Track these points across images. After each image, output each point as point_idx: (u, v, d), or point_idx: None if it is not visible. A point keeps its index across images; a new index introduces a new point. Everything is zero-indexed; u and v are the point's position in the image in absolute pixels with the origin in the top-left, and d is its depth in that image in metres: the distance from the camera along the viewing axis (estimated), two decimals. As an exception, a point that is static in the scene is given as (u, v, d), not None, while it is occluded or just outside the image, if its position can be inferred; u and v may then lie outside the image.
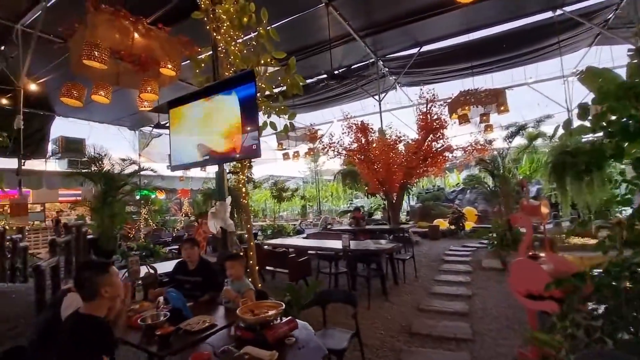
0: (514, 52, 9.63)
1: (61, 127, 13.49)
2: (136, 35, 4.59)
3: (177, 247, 8.88)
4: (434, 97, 8.97)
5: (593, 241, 6.48)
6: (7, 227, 6.63)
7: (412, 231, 8.53)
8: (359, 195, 19.14)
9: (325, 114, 15.33)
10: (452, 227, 10.31)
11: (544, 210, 3.06)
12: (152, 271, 3.39)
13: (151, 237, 11.29)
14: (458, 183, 15.53)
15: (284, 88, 4.00)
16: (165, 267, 4.64)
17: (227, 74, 4.08)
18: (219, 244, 5.66)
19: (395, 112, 14.05)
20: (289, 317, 2.18)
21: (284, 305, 2.20)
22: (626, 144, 1.89)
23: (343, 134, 9.40)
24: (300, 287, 4.19)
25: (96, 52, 4.00)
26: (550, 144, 8.65)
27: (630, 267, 1.69)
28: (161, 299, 3.07)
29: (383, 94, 11.35)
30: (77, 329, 1.80)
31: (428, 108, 8.93)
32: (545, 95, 11.99)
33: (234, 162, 4.12)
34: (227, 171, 4.30)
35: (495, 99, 8.41)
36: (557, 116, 10.44)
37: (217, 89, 3.69)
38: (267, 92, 3.97)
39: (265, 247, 6.00)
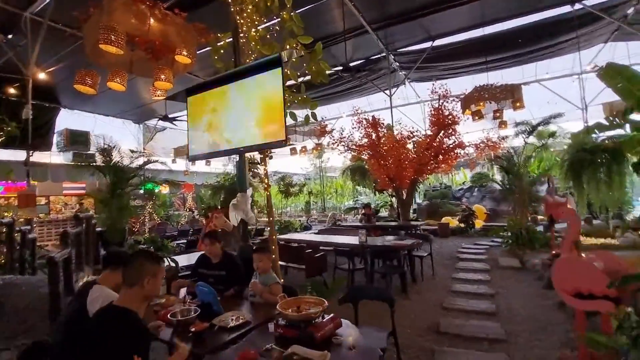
0: (530, 47, 9.45)
1: (65, 120, 13.33)
2: (152, 20, 4.44)
3: (184, 241, 8.78)
4: (447, 93, 8.81)
5: (613, 241, 6.35)
6: (14, 218, 6.49)
7: (422, 228, 8.40)
8: (363, 193, 19.03)
9: (331, 109, 15.16)
10: (462, 225, 10.18)
11: (570, 207, 2.94)
12: (173, 264, 3.27)
13: (155, 231, 11.18)
14: (465, 181, 15.39)
15: (308, 77, 3.85)
16: (181, 260, 4.53)
17: (247, 60, 3.94)
18: (230, 237, 5.54)
19: (402, 109, 13.89)
20: (331, 315, 2.05)
21: (326, 302, 2.06)
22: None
23: (353, 128, 9.25)
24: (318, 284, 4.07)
25: (113, 36, 3.84)
26: (565, 142, 8.52)
27: None
28: (183, 290, 2.95)
29: (394, 89, 11.18)
30: (112, 323, 1.68)
31: (440, 103, 8.77)
32: (556, 93, 11.83)
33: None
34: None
35: (511, 94, 8.27)
36: (567, 114, 10.30)
37: (242, 74, 3.53)
38: (290, 81, 3.82)
39: (281, 242, 5.87)
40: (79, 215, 5.44)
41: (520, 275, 5.65)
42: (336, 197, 19.59)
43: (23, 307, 4.24)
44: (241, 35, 3.79)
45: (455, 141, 8.81)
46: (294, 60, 3.56)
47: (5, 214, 7.23)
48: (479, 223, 10.37)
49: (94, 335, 1.72)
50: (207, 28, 4.76)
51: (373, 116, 9.11)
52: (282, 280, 4.08)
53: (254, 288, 2.68)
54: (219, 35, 4.28)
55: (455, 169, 13.90)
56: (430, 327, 3.67)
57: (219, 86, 3.74)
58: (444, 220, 10.79)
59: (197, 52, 4.85)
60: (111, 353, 1.59)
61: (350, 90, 12.02)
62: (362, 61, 10.14)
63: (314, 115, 4.08)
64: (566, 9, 8.15)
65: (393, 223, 8.95)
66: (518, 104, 8.32)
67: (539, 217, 9.43)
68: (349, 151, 9.37)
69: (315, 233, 7.89)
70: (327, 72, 3.82)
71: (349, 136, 9.17)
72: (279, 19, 3.83)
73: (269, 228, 3.89)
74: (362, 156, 9.64)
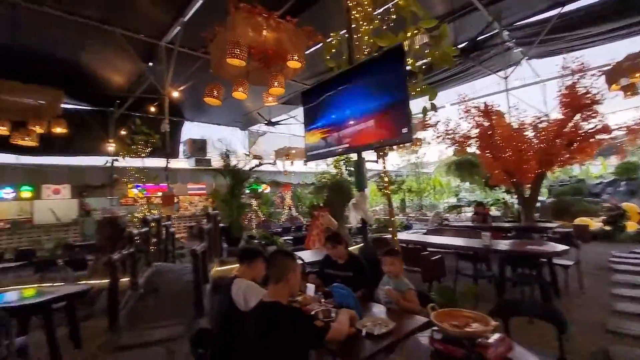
0: None
1: (189, 130, 15.57)
2: (266, 31, 4.70)
3: (289, 237, 9.27)
4: (583, 66, 7.22)
5: None
6: (160, 215, 7.80)
7: (556, 231, 7.07)
8: (465, 189, 17.33)
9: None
10: (607, 227, 8.28)
11: None
12: (300, 261, 3.36)
13: (262, 227, 12.14)
14: (603, 173, 12.59)
15: (427, 63, 3.51)
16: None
17: (360, 57, 3.81)
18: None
19: (516, 92, 12.05)
20: (499, 334, 1.73)
21: (492, 320, 1.76)
22: None
23: (460, 119, 8.36)
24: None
25: (237, 50, 4.18)
26: None
27: None
28: (310, 287, 2.93)
29: (510, 69, 9.74)
30: (274, 317, 1.75)
31: (574, 80, 7.24)
32: None
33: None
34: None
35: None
36: None
37: (360, 69, 3.41)
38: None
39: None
40: (209, 213, 6.16)
41: None
42: (434, 194, 18.31)
43: (174, 293, 4.98)
44: (354, 28, 3.68)
45: (596, 125, 7.17)
46: (417, 47, 3.27)
47: (153, 211, 8.74)
48: (631, 226, 8.29)
49: (257, 330, 1.80)
50: (314, 30, 4.83)
51: (485, 103, 8.08)
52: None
53: (390, 295, 2.52)
54: (331, 34, 4.26)
55: (592, 158, 11.46)
56: (596, 355, 2.96)
57: (335, 85, 3.71)
58: (578, 221, 8.96)
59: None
60: (283, 344, 1.68)
61: (456, 76, 10.90)
62: (469, 42, 9.10)
63: (433, 106, 3.73)
64: None
65: (511, 224, 7.81)
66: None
67: None
68: (456, 145, 8.51)
69: (423, 233, 7.39)
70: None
71: (455, 128, 8.33)
72: (393, 9, 3.59)
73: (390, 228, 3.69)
74: (470, 149, 8.65)
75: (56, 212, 11.31)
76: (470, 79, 11.67)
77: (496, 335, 1.71)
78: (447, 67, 3.37)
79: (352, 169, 9.62)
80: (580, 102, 7.15)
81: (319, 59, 5.20)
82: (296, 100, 11.72)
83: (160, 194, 9.46)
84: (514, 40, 9.58)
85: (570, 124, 7.31)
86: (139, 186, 9.57)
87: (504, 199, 10.95)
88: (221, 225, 7.54)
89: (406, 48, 3.27)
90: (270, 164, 9.49)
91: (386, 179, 3.50)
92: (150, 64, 9.19)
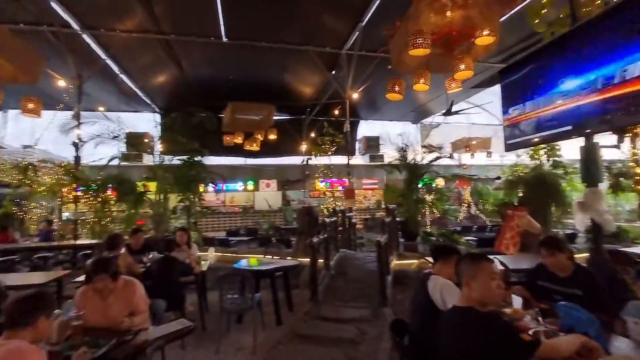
0: None
1: (360, 129, 16.61)
2: (449, 12, 4.32)
3: (473, 238, 8.34)
4: None
5: None
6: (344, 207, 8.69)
7: None
8: None
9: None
10: None
11: None
12: (502, 267, 2.93)
13: (437, 224, 11.45)
14: None
15: None
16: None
17: (587, 9, 2.91)
18: (533, 240, 4.48)
19: None
20: None
21: None
22: None
23: None
24: None
25: (420, 39, 4.04)
26: None
27: None
28: (517, 299, 2.50)
29: None
30: (476, 326, 1.60)
31: None
32: None
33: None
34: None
35: None
36: None
37: (589, 30, 2.60)
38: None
39: None
40: (388, 207, 6.34)
41: None
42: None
43: (359, 278, 5.41)
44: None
45: None
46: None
47: (337, 203, 9.85)
48: None
49: (454, 336, 1.72)
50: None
51: None
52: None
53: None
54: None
55: None
56: None
57: (548, 57, 2.99)
58: None
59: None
60: (480, 354, 1.54)
61: None
62: None
63: None
64: None
65: None
66: None
67: None
68: None
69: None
70: None
71: None
72: None
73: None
74: None
75: (268, 201, 14.60)
76: None
77: None
78: None
79: (557, 158, 7.71)
80: None
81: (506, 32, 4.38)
82: (483, 84, 10.42)
83: (340, 188, 10.57)
84: None
85: None
86: (324, 181, 11.02)
87: None
88: (399, 219, 7.64)
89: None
90: (447, 157, 8.84)
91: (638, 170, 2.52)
92: (333, 72, 10.31)
